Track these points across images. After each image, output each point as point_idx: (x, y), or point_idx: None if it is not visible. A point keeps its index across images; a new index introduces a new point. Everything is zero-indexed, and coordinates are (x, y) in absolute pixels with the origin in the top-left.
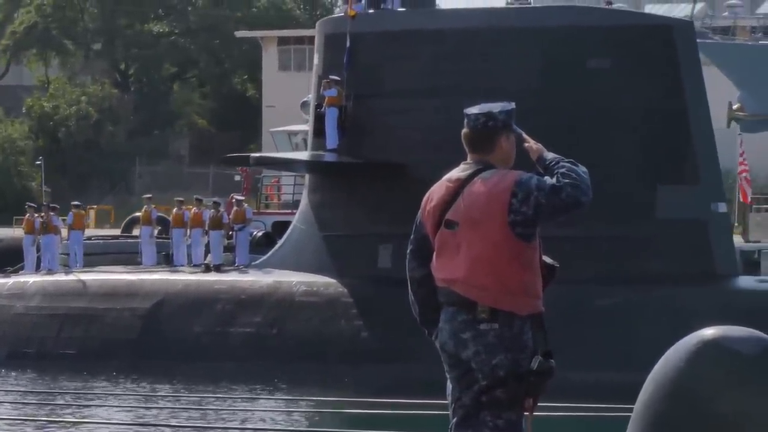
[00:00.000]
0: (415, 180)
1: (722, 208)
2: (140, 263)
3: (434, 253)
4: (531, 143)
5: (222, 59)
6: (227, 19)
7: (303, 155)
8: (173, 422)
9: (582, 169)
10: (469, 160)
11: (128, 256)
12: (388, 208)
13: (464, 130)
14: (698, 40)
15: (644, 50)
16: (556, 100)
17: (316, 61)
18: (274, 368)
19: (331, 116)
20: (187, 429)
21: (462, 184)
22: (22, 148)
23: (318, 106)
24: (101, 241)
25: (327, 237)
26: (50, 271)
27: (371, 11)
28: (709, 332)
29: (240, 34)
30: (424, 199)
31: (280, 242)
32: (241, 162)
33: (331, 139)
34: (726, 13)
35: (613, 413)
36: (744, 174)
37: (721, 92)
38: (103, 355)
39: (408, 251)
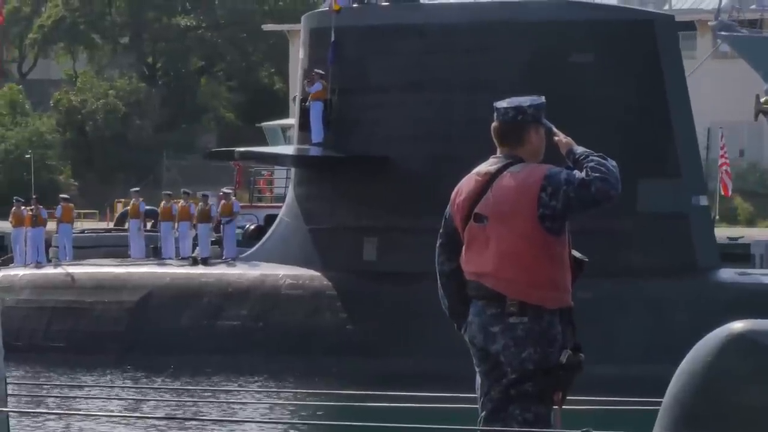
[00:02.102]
0: (400, 174)
1: (703, 201)
2: (130, 256)
3: (463, 247)
4: (560, 137)
5: (249, 53)
6: (254, 12)
7: (288, 149)
8: (160, 414)
9: (611, 162)
10: (498, 153)
11: (120, 249)
12: (373, 202)
13: (494, 124)
14: (726, 33)
15: (626, 45)
16: (539, 95)
17: (301, 55)
18: (260, 361)
19: (316, 110)
20: (176, 421)
21: (491, 178)
22: (49, 141)
23: (303, 100)
24: (93, 234)
25: (313, 230)
26: (39, 264)
27: (356, 6)
28: (737, 325)
29: (267, 27)
30: (453, 192)
31: (266, 235)
32: (227, 156)
33: (317, 133)
34: (754, 6)
35: (642, 407)
36: (725, 167)
37: (749, 85)
38: (91, 348)
39: (437, 245)
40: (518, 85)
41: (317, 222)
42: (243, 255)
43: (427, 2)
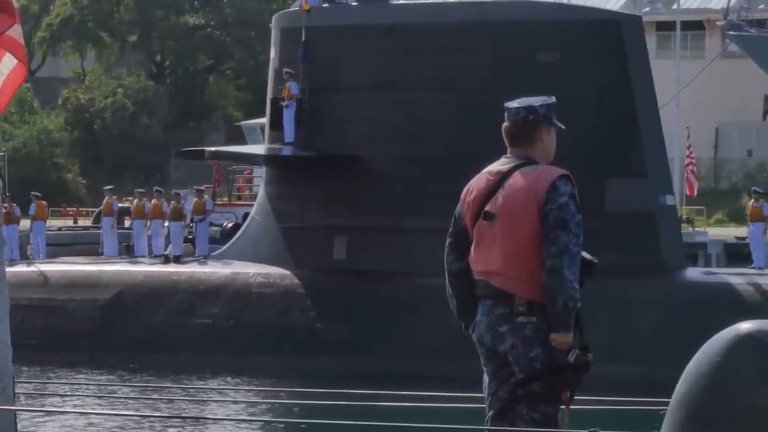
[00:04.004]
0: (370, 173)
1: (670, 200)
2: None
3: (472, 245)
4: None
5: (257, 51)
6: (262, 11)
7: (259, 149)
8: (166, 413)
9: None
10: (509, 153)
11: (95, 247)
12: (343, 201)
13: (505, 124)
14: (735, 33)
15: (593, 44)
16: (507, 94)
17: (272, 54)
18: (231, 359)
19: (290, 110)
20: (181, 420)
21: (503, 177)
22: (57, 140)
23: (276, 99)
24: (70, 232)
25: (283, 229)
26: (12, 262)
27: (326, 5)
28: (744, 326)
29: None
30: (464, 191)
31: (238, 233)
32: (197, 156)
33: (290, 132)
34: (762, 6)
35: (650, 407)
36: (691, 167)
37: (757, 85)
38: (63, 346)
39: (446, 244)
40: (486, 85)
41: (288, 221)
42: (215, 253)
43: (396, 2)
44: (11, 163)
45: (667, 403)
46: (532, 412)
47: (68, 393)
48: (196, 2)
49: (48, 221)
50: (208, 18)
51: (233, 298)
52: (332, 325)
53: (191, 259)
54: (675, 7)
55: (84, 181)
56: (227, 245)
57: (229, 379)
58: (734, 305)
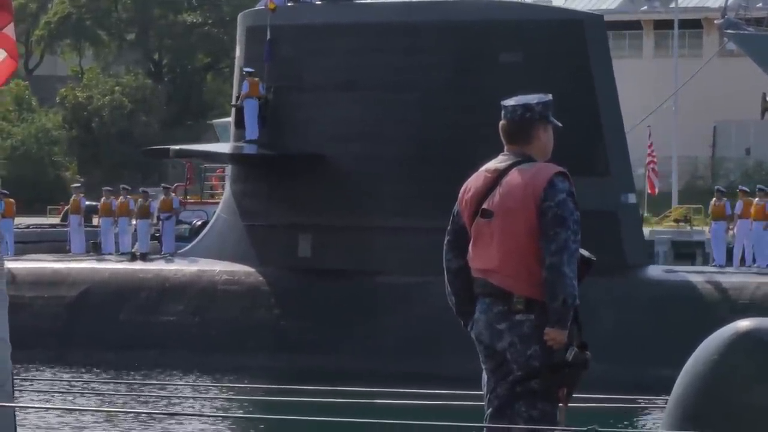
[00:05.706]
0: (335, 171)
1: (632, 199)
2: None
3: (470, 243)
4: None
5: None
6: None
7: (224, 147)
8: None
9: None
10: (506, 151)
11: (64, 244)
12: (308, 199)
13: (501, 122)
14: (733, 31)
15: (556, 44)
16: (470, 94)
17: (237, 53)
18: (196, 356)
19: (251, 108)
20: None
21: (500, 174)
22: (55, 137)
23: (238, 98)
24: (37, 230)
25: (248, 226)
26: None
27: (291, 4)
28: (742, 324)
29: None
30: (462, 189)
31: (204, 231)
32: (161, 154)
33: (251, 130)
34: (760, 4)
35: (649, 404)
36: (652, 166)
37: (755, 83)
38: (29, 343)
39: (445, 242)
40: (449, 85)
41: (253, 218)
42: (181, 251)
43: (360, 2)
44: (9, 161)
45: (665, 401)
46: (531, 410)
47: (54, 390)
48: (193, 0)
49: (48, 218)
50: (205, 16)
51: (199, 295)
52: (297, 323)
53: (158, 256)
54: (673, 5)
55: (82, 179)
56: (193, 242)
57: (195, 376)
58: (693, 303)
